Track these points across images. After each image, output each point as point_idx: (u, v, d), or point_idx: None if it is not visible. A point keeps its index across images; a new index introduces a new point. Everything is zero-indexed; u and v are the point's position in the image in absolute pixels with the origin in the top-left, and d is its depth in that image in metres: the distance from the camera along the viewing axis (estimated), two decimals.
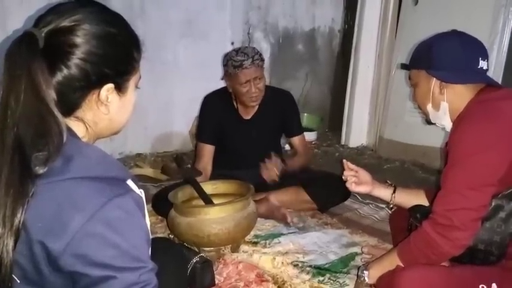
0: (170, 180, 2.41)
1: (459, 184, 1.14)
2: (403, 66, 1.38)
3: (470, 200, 1.11)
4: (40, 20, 0.74)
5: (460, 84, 1.23)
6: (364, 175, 1.55)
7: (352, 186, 1.54)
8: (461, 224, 1.11)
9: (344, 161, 1.56)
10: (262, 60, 2.05)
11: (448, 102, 1.25)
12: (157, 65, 3.01)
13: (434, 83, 1.26)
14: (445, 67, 1.23)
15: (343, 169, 1.55)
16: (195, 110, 2.75)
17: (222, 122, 2.17)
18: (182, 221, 1.67)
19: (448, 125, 1.29)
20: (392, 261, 1.25)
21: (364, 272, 1.33)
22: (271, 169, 2.02)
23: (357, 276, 1.41)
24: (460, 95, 1.23)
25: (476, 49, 1.25)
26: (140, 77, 0.85)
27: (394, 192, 1.53)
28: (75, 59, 0.72)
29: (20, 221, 0.66)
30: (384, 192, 1.54)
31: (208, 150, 2.16)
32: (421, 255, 1.18)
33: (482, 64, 1.25)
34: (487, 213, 1.15)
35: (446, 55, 1.23)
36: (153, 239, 0.82)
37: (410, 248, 1.21)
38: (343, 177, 1.56)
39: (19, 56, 0.69)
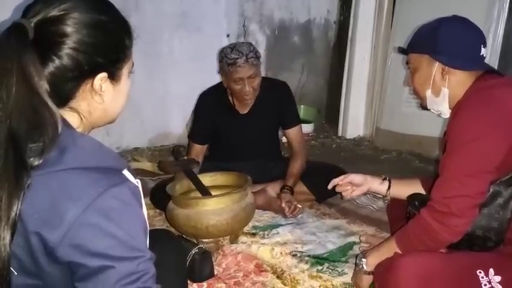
0: (168, 174, 2.41)
1: (456, 171, 1.14)
2: (401, 50, 1.35)
3: (467, 187, 1.11)
4: (28, 10, 0.73)
5: (465, 70, 1.22)
6: (357, 180, 1.53)
7: (348, 196, 1.55)
8: (458, 211, 1.11)
9: (333, 180, 1.56)
10: (258, 58, 2.00)
11: (448, 89, 1.24)
12: (152, 58, 3.00)
13: (437, 68, 1.24)
14: (449, 52, 1.21)
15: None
16: (191, 103, 2.74)
17: (217, 118, 2.16)
18: (180, 212, 1.68)
19: (446, 111, 1.29)
20: (390, 249, 1.25)
21: (363, 259, 1.33)
22: (292, 205, 1.99)
23: (355, 265, 1.41)
24: (461, 81, 1.23)
25: (479, 36, 1.24)
26: (133, 64, 0.84)
27: (389, 187, 1.52)
28: (67, 49, 0.71)
29: (16, 214, 0.65)
30: (379, 187, 1.53)
31: (197, 150, 2.16)
32: (419, 243, 1.19)
33: (483, 51, 1.24)
34: (485, 199, 1.15)
35: (452, 40, 1.22)
36: (151, 230, 0.81)
37: (409, 236, 1.22)
38: (336, 190, 1.56)
39: (9, 48, 0.68)
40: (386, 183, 1.53)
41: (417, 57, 1.29)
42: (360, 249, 1.68)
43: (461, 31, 1.23)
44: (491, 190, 1.15)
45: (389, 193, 1.52)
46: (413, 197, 1.39)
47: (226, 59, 1.97)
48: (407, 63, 1.34)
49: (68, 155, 0.69)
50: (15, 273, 0.70)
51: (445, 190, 1.15)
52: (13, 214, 0.65)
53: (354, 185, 1.54)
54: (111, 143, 2.93)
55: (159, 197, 1.95)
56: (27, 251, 0.69)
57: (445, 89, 1.25)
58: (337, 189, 1.56)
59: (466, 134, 1.13)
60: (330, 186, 1.57)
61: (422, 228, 1.17)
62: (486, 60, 1.28)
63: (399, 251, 1.23)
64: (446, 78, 1.24)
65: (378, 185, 1.53)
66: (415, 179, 1.56)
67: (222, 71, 2.05)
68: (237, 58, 1.94)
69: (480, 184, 1.12)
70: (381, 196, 1.60)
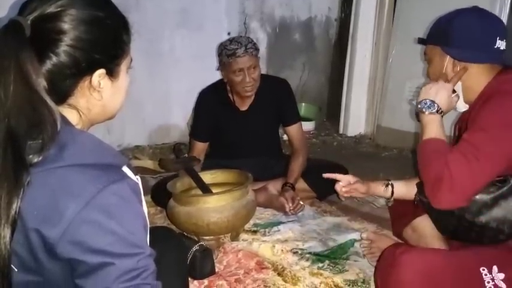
0: (169, 172, 2.41)
1: (479, 147, 1.09)
2: (420, 41, 1.34)
3: (481, 167, 1.09)
4: (25, 7, 0.72)
5: (476, 63, 1.21)
6: (360, 189, 1.51)
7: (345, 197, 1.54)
8: (467, 197, 1.11)
9: (336, 176, 1.54)
10: (257, 49, 2.02)
11: (461, 81, 1.23)
12: (153, 57, 3.00)
13: (448, 60, 1.23)
14: (461, 44, 1.20)
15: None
16: (192, 101, 2.74)
17: (217, 116, 2.16)
18: (181, 210, 1.68)
19: (461, 104, 1.27)
20: (429, 128, 1.22)
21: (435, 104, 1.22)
22: (294, 202, 1.97)
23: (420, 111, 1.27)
24: (476, 74, 1.21)
25: (495, 28, 1.22)
26: (132, 60, 0.84)
27: (392, 192, 1.48)
28: (64, 46, 0.71)
29: (15, 212, 0.65)
30: (382, 193, 1.51)
31: (199, 148, 2.16)
32: (430, 163, 1.17)
33: (499, 44, 1.21)
34: (503, 192, 1.13)
35: (464, 32, 1.20)
36: (152, 228, 0.81)
37: (432, 149, 1.19)
38: (335, 188, 1.54)
39: (6, 46, 0.68)
40: (389, 188, 1.49)
41: (432, 49, 1.28)
42: (361, 246, 1.67)
43: (475, 23, 1.21)
44: (511, 182, 1.13)
45: (393, 199, 1.49)
46: (422, 183, 1.36)
47: (226, 50, 1.97)
48: (424, 54, 1.33)
49: (67, 152, 0.69)
50: (16, 270, 0.70)
51: (473, 172, 1.10)
52: (13, 212, 0.65)
53: (356, 190, 1.52)
54: (112, 141, 2.92)
55: (160, 195, 1.95)
56: (27, 248, 0.69)
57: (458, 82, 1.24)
58: (337, 189, 1.52)
59: (502, 118, 1.11)
60: (326, 176, 1.54)
61: (439, 168, 1.13)
62: None
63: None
64: (457, 70, 1.23)
65: (381, 191, 1.50)
66: (416, 178, 1.54)
67: (221, 64, 2.05)
68: (237, 48, 1.95)
69: (493, 168, 1.09)
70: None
